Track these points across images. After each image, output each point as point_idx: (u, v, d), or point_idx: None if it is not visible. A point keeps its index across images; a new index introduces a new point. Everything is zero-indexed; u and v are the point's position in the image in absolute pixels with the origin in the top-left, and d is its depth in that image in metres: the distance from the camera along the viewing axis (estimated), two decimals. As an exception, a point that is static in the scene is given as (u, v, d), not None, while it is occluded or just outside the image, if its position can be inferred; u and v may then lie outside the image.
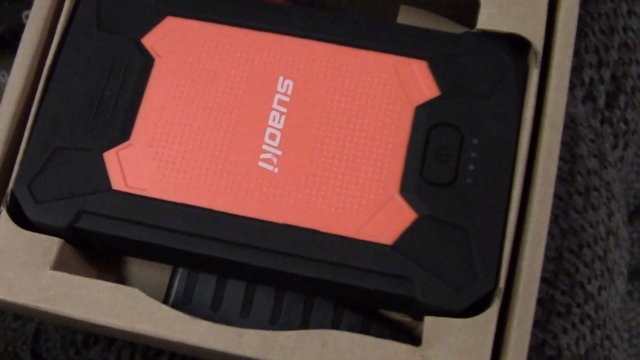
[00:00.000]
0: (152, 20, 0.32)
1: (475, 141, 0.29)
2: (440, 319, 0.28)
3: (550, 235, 0.44)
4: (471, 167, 0.29)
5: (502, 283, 0.28)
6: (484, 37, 0.31)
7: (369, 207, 0.29)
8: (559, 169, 0.45)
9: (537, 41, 0.30)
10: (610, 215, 0.47)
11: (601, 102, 0.49)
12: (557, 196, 0.44)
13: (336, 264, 0.28)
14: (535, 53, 0.30)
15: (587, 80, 0.49)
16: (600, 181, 0.47)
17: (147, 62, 0.31)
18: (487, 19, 0.31)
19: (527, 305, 0.28)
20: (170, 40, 0.32)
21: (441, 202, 0.29)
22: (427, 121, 0.30)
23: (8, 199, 0.30)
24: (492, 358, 0.28)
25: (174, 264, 0.32)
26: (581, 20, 0.49)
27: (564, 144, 0.45)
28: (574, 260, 0.44)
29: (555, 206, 0.44)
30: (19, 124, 0.31)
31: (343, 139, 0.30)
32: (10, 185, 0.30)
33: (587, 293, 0.44)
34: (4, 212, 0.30)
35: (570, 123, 0.47)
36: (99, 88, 0.31)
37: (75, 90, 0.31)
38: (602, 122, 0.49)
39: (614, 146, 0.50)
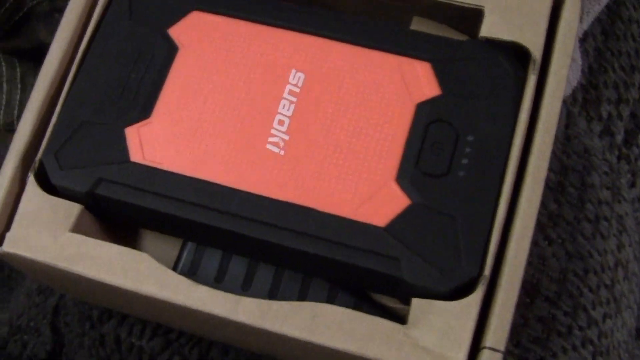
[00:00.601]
0: (179, 14, 0.34)
1: (470, 138, 0.31)
2: (426, 301, 0.30)
3: (555, 257, 0.44)
4: (465, 161, 0.31)
5: (487, 271, 0.30)
6: (486, 44, 0.33)
7: (366, 191, 0.31)
8: (569, 194, 0.46)
9: (536, 50, 0.32)
10: (620, 247, 0.48)
11: (619, 138, 0.50)
12: (564, 220, 0.45)
13: (331, 241, 0.30)
14: (534, 61, 0.32)
15: (605, 115, 0.50)
16: (612, 212, 0.48)
17: (171, 50, 0.34)
18: (490, 28, 0.33)
19: (510, 293, 0.30)
20: (194, 32, 0.34)
21: (433, 192, 0.31)
22: (427, 117, 0.32)
23: (36, 166, 0.33)
24: (473, 341, 0.29)
25: (182, 235, 0.34)
26: (601, 55, 0.50)
27: (575, 171, 0.47)
28: (578, 283, 0.44)
29: (562, 229, 0.45)
30: (52, 101, 0.34)
31: (347, 128, 0.32)
32: (39, 154, 0.33)
33: (591, 318, 0.44)
34: (32, 178, 0.32)
35: (584, 153, 0.48)
36: (126, 71, 0.33)
37: (105, 72, 0.33)
38: (619, 158, 0.50)
39: (632, 185, 0.51)
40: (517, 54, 0.33)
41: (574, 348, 0.43)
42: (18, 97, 0.65)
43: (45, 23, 0.61)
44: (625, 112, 0.50)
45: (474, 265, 0.30)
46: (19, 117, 0.65)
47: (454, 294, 0.30)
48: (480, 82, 0.32)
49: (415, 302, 0.30)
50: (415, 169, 0.31)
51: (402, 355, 0.29)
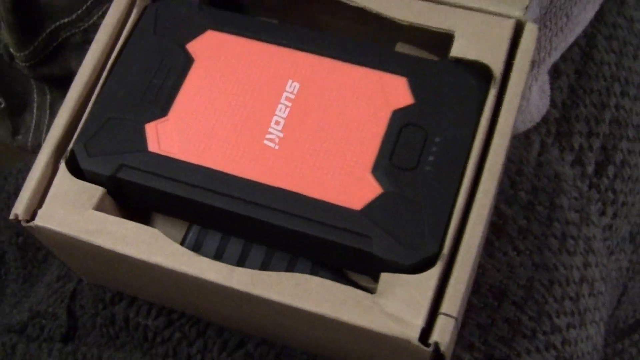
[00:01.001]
0: (196, 32, 0.40)
1: (437, 139, 0.37)
2: (393, 275, 0.35)
3: (523, 266, 0.48)
4: (431, 158, 0.36)
5: (446, 250, 0.35)
6: (455, 63, 0.39)
7: (346, 180, 0.36)
8: (537, 212, 0.49)
9: (497, 68, 0.38)
10: (586, 265, 0.50)
11: (590, 168, 0.54)
12: (532, 234, 0.48)
13: (314, 220, 0.36)
14: (494, 78, 0.38)
15: (577, 146, 0.53)
16: (579, 233, 0.50)
17: (188, 62, 0.40)
18: (459, 49, 0.39)
19: (463, 270, 0.35)
20: (208, 48, 0.40)
21: (403, 182, 0.36)
22: (400, 121, 0.37)
23: (68, 154, 0.38)
24: (431, 308, 0.34)
25: (188, 217, 0.39)
26: (574, 92, 0.54)
27: (545, 192, 0.50)
28: (543, 292, 0.47)
29: (530, 242, 0.48)
30: (84, 101, 0.40)
31: (332, 128, 0.38)
32: (71, 144, 0.39)
33: (555, 325, 0.47)
34: (63, 165, 0.38)
35: (555, 178, 0.51)
36: (148, 77, 0.39)
37: (130, 77, 0.39)
38: (590, 187, 0.53)
39: (602, 213, 0.54)
40: (480, 71, 0.38)
41: (538, 350, 0.46)
42: (46, 121, 0.70)
43: (77, 53, 0.67)
44: (596, 145, 0.54)
45: (435, 244, 0.35)
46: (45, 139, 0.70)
47: (417, 269, 0.35)
48: (448, 94, 0.38)
49: (384, 275, 0.35)
50: (388, 162, 0.37)
51: (370, 320, 0.34)
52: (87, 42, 0.66)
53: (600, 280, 0.53)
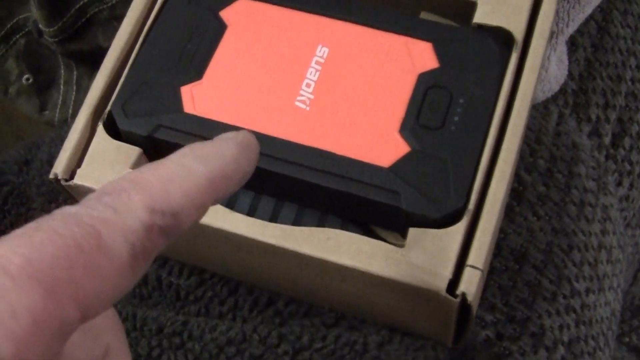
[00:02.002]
0: (229, 0, 0.42)
1: (461, 100, 0.38)
2: (420, 229, 0.36)
3: (542, 231, 0.49)
4: (456, 118, 0.38)
5: (471, 205, 0.36)
6: (477, 29, 0.40)
7: (375, 139, 0.38)
8: (556, 179, 0.51)
9: (518, 33, 0.40)
10: (604, 232, 0.52)
11: (606, 139, 0.55)
12: (551, 200, 0.50)
13: (345, 177, 0.37)
14: (516, 42, 0.39)
15: (593, 117, 0.55)
16: (597, 201, 0.52)
17: (221, 28, 0.41)
18: (481, 16, 0.40)
19: (489, 224, 0.36)
20: (241, 14, 0.42)
21: (429, 141, 0.38)
22: (426, 84, 0.39)
23: (105, 116, 0.40)
24: (458, 260, 0.36)
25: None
26: (590, 65, 0.56)
27: (563, 161, 0.52)
28: (563, 256, 0.48)
29: (549, 208, 0.50)
30: (122, 64, 0.41)
31: (361, 91, 0.39)
32: (109, 107, 0.40)
33: (574, 289, 0.48)
34: (101, 126, 0.40)
35: (573, 147, 0.52)
36: (183, 43, 0.41)
37: (165, 43, 0.41)
38: (606, 158, 0.55)
39: (618, 183, 0.56)
40: (502, 37, 0.40)
41: (558, 313, 0.47)
42: (73, 97, 0.72)
43: (104, 30, 0.68)
44: (612, 117, 0.55)
45: (461, 198, 0.36)
46: (72, 115, 0.72)
47: (444, 223, 0.36)
48: (471, 58, 0.39)
49: (412, 230, 0.37)
50: (415, 122, 0.38)
51: (399, 271, 0.36)
52: (114, 18, 0.68)
53: (617, 248, 0.54)
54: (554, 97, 0.54)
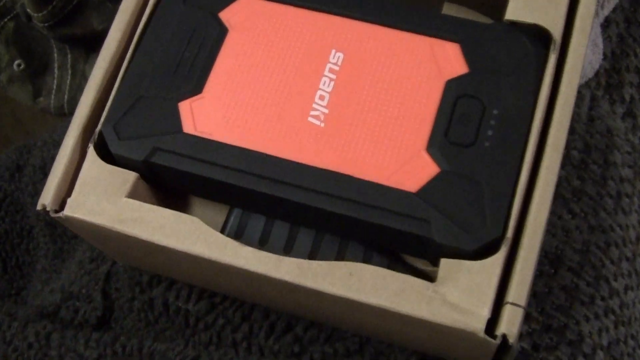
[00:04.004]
0: None
1: (495, 111, 0.34)
2: (454, 261, 0.32)
3: (579, 229, 0.46)
4: (490, 132, 0.34)
5: (510, 232, 0.32)
6: (510, 27, 0.36)
7: (399, 159, 0.34)
8: (592, 171, 0.47)
9: (556, 31, 0.35)
10: None
11: None
12: (587, 195, 0.47)
13: (367, 205, 0.33)
14: (554, 42, 0.35)
15: (627, 97, 0.51)
16: (634, 190, 0.49)
17: (222, 32, 0.37)
18: (514, 11, 0.36)
19: (530, 254, 0.32)
20: (243, 15, 0.37)
21: (461, 160, 0.33)
22: (455, 92, 0.34)
23: (96, 137, 0.36)
24: (496, 297, 0.32)
25: (230, 201, 0.37)
26: (623, 41, 0.52)
27: (598, 149, 0.48)
28: (600, 255, 0.45)
29: (584, 204, 0.47)
30: (111, 77, 0.37)
31: (382, 102, 0.35)
32: (99, 126, 0.36)
33: (613, 289, 0.45)
34: (92, 148, 0.36)
35: (607, 133, 0.49)
36: (180, 50, 0.36)
37: (160, 51, 0.37)
38: None
39: None
40: (538, 35, 0.35)
41: (597, 316, 0.44)
42: (68, 82, 0.68)
43: (98, 12, 0.64)
44: None
45: (498, 227, 0.32)
46: (68, 101, 0.68)
47: (479, 254, 0.32)
48: (504, 61, 0.35)
49: (444, 261, 0.33)
50: (444, 139, 0.34)
51: (431, 310, 0.32)
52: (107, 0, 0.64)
53: None
54: (586, 79, 0.50)
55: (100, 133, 0.36)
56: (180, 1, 0.37)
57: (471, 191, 0.33)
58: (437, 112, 0.34)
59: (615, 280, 0.46)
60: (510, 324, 0.31)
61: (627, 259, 0.47)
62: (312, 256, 0.36)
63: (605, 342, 0.44)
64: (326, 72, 0.35)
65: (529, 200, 0.33)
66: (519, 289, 0.32)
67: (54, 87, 0.69)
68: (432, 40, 0.36)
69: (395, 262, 0.36)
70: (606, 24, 0.51)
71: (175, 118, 0.35)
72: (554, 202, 0.46)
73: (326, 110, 0.35)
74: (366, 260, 0.35)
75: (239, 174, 0.34)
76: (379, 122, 0.34)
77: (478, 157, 0.33)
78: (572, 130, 0.48)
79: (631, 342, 0.47)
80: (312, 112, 0.35)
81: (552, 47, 0.35)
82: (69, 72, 0.68)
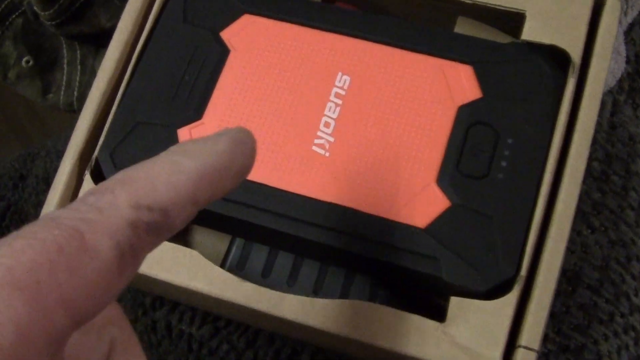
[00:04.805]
0: (231, 17, 0.36)
1: (510, 141, 0.32)
2: (464, 299, 0.31)
3: (598, 244, 0.45)
4: (504, 163, 0.32)
5: (523, 271, 0.31)
6: (527, 47, 0.34)
7: (408, 193, 0.32)
8: (613, 183, 0.46)
9: (575, 53, 0.33)
10: None
11: None
12: (608, 209, 0.45)
13: (373, 241, 0.31)
14: (573, 64, 0.33)
15: None
16: None
17: (223, 53, 0.35)
18: (531, 31, 0.34)
19: (545, 294, 0.31)
20: (246, 35, 0.35)
21: (473, 193, 0.32)
22: (468, 120, 0.33)
23: (92, 164, 0.34)
24: (509, 339, 0.31)
25: (231, 232, 0.35)
26: None
27: (619, 159, 0.47)
28: (620, 271, 0.44)
29: (605, 218, 0.46)
30: (108, 101, 0.35)
31: (390, 130, 0.33)
32: (96, 152, 0.34)
33: (633, 305, 0.44)
34: (88, 175, 0.34)
35: (629, 141, 0.48)
36: (179, 73, 0.35)
37: (159, 74, 0.35)
38: None
39: None
40: (556, 57, 0.33)
41: (616, 334, 0.43)
42: (77, 78, 0.67)
43: (105, 9, 0.63)
44: None
45: (511, 266, 0.31)
46: (78, 98, 0.67)
47: (491, 293, 0.31)
48: (520, 85, 0.33)
49: (454, 300, 0.31)
50: (455, 171, 0.32)
51: (439, 353, 0.30)
52: (115, -4, 0.63)
53: None
54: (608, 85, 0.48)
55: (96, 160, 0.34)
56: (180, 19, 0.36)
57: (483, 227, 0.31)
58: (449, 141, 0.33)
59: (636, 295, 0.45)
60: (523, 369, 0.30)
61: (649, 273, 0.46)
62: (316, 289, 0.34)
63: None
64: (332, 97, 0.34)
65: (545, 235, 0.31)
66: (533, 332, 0.30)
67: (64, 83, 0.68)
68: (444, 62, 0.34)
69: (403, 295, 0.34)
70: (630, 26, 0.49)
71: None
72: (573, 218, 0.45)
73: (331, 139, 0.33)
74: (372, 292, 0.34)
75: (240, 207, 0.33)
76: (387, 152, 0.33)
77: (491, 190, 0.32)
78: (592, 141, 0.46)
79: (653, 358, 0.46)
80: (317, 141, 0.33)
81: (571, 70, 0.33)
82: (78, 68, 0.67)
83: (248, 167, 0.24)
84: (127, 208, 0.21)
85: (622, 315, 0.44)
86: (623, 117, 0.48)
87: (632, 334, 0.44)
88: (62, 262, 0.19)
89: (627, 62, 0.49)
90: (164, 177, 0.22)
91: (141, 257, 0.21)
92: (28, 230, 0.19)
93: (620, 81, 0.49)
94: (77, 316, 0.19)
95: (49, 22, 0.62)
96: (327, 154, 0.33)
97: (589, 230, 0.45)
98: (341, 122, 0.33)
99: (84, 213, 0.20)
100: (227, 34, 0.35)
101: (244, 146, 0.24)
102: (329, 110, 0.34)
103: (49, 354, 0.19)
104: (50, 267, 0.19)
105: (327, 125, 0.33)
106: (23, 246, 0.19)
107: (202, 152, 0.23)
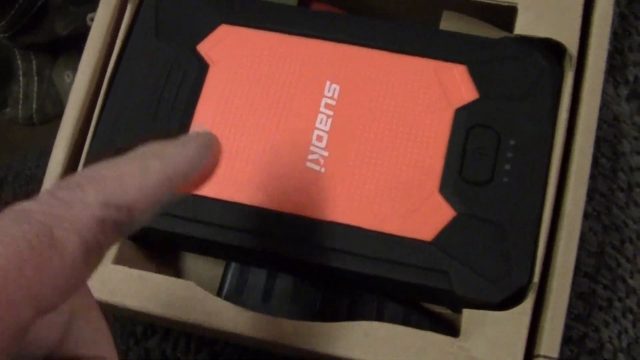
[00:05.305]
0: (207, 28, 0.34)
1: (512, 142, 0.31)
2: (478, 311, 0.30)
3: (592, 231, 0.44)
4: (507, 166, 0.31)
5: (536, 277, 0.30)
6: (521, 42, 0.32)
7: (410, 205, 0.31)
8: (601, 166, 0.45)
9: (571, 46, 0.32)
10: None
11: None
12: (599, 193, 0.45)
13: (379, 259, 0.30)
14: (570, 57, 0.32)
15: (631, 78, 0.49)
16: None
17: (202, 68, 0.33)
18: (525, 25, 0.32)
19: (561, 299, 0.29)
20: (224, 46, 0.33)
21: (479, 200, 0.30)
22: (466, 123, 0.31)
23: None
24: (526, 349, 0.29)
25: (226, 258, 0.34)
26: (625, 20, 0.49)
27: (606, 141, 0.46)
28: (615, 255, 0.44)
29: (597, 202, 0.45)
30: (83, 127, 0.33)
31: (386, 140, 0.31)
32: None
33: (629, 287, 0.44)
34: None
35: (614, 121, 0.47)
36: (157, 93, 0.33)
37: (136, 95, 0.33)
38: None
39: None
40: (552, 50, 0.32)
41: (615, 319, 0.43)
42: (35, 89, 0.64)
43: (60, 16, 0.60)
44: None
45: (524, 274, 0.29)
46: (37, 110, 0.64)
47: (506, 303, 0.30)
48: (518, 82, 0.32)
49: (467, 313, 0.30)
50: (458, 177, 0.31)
51: (457, 368, 0.29)
52: (69, 2, 0.60)
53: None
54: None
55: None
56: (152, 35, 0.34)
57: (492, 235, 0.30)
58: (448, 146, 0.31)
59: (632, 277, 0.45)
60: (544, 380, 0.29)
61: (642, 253, 0.46)
62: (322, 311, 0.33)
63: (625, 344, 0.44)
64: (322, 108, 0.32)
65: (554, 238, 0.30)
66: (551, 340, 0.29)
67: (21, 96, 0.65)
68: (436, 63, 0.32)
69: (411, 310, 0.33)
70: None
71: None
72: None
73: (325, 153, 0.32)
74: (380, 312, 0.32)
75: (234, 233, 0.31)
76: (385, 163, 0.31)
77: (497, 195, 0.30)
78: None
79: (650, 337, 0.45)
80: (310, 157, 0.32)
81: (568, 63, 0.32)
82: (35, 79, 0.65)
83: (212, 172, 0.25)
84: (96, 205, 0.21)
85: (620, 300, 0.44)
86: (605, 97, 0.48)
87: (630, 316, 0.44)
88: (30, 258, 0.20)
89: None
90: (133, 177, 0.23)
91: (105, 251, 0.22)
92: None
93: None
94: (42, 308, 0.20)
95: (2, 35, 0.60)
96: (323, 170, 0.31)
97: (583, 218, 0.44)
98: (334, 135, 0.32)
99: (53, 208, 0.21)
100: (204, 47, 0.33)
101: (209, 152, 0.25)
102: (321, 123, 0.32)
103: (12, 345, 0.19)
104: (18, 264, 0.19)
105: (319, 139, 0.32)
106: None
107: (171, 155, 0.24)
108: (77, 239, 0.21)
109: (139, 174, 0.23)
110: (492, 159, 0.31)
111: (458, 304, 0.30)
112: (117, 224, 0.22)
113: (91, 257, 0.21)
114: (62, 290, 0.21)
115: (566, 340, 0.42)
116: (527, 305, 0.29)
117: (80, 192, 0.22)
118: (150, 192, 0.23)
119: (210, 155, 0.25)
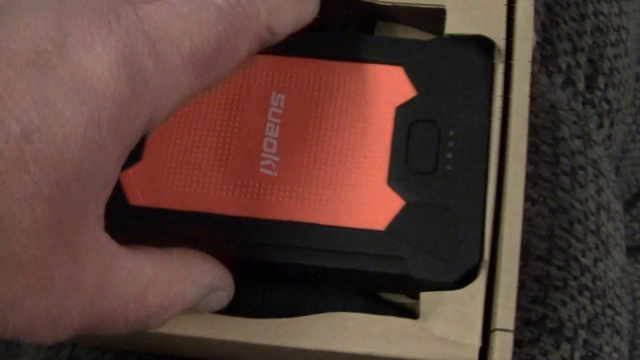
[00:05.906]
0: None
1: (451, 132, 0.33)
2: (434, 293, 0.31)
3: (540, 215, 0.46)
4: (449, 155, 0.33)
5: (486, 255, 0.32)
6: (453, 41, 0.34)
7: (361, 198, 0.32)
8: (543, 152, 0.47)
9: (499, 40, 0.34)
10: (599, 190, 0.49)
11: (581, 85, 0.52)
12: (543, 178, 0.47)
13: (336, 251, 0.32)
14: (499, 51, 0.34)
15: (564, 66, 0.51)
16: (586, 160, 0.49)
17: None
18: (454, 24, 0.35)
19: (511, 274, 0.31)
20: None
21: (425, 188, 0.32)
22: (407, 119, 0.33)
23: None
24: (483, 324, 0.31)
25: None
26: (551, 10, 0.51)
27: (545, 128, 0.48)
28: (565, 236, 0.45)
29: (542, 188, 0.47)
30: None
31: (333, 141, 0.33)
32: None
33: (583, 266, 0.46)
34: None
35: (550, 109, 0.49)
36: None
37: None
38: (584, 104, 0.51)
39: (600, 125, 0.52)
40: (482, 46, 0.34)
41: (572, 298, 0.45)
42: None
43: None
44: (583, 60, 0.52)
45: (475, 252, 0.31)
46: None
47: (460, 283, 0.31)
48: (452, 78, 0.34)
49: (424, 295, 0.32)
50: (404, 169, 0.33)
51: (420, 348, 0.31)
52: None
53: (614, 200, 0.52)
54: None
55: None
56: None
57: (441, 219, 0.32)
58: (392, 142, 0.33)
59: (584, 256, 0.46)
60: (502, 350, 0.31)
61: (592, 232, 0.48)
62: (291, 310, 0.34)
63: (585, 321, 0.45)
64: (270, 117, 0.34)
65: (500, 218, 0.32)
66: (506, 313, 0.31)
67: None
68: (374, 67, 0.34)
69: (373, 301, 0.34)
70: (532, -2, 0.50)
71: (118, 191, 0.33)
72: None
73: (277, 158, 0.33)
74: (344, 305, 0.34)
75: (199, 242, 0.32)
76: (334, 162, 0.33)
77: (442, 182, 0.32)
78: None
79: (609, 312, 0.47)
80: (263, 162, 0.33)
81: (497, 56, 0.34)
82: None
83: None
84: (264, 26, 0.29)
85: (575, 278, 0.45)
86: (541, 87, 0.49)
87: (587, 293, 0.45)
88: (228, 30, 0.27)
89: (535, 32, 0.51)
90: (292, 13, 0.31)
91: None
92: None
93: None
94: (271, 30, 0.29)
95: None
96: (275, 174, 0.33)
97: (529, 203, 0.46)
98: (283, 141, 0.33)
99: (238, 14, 0.28)
100: None
101: None
102: (269, 131, 0.34)
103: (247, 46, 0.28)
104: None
105: (269, 145, 0.33)
106: None
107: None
108: (246, 46, 0.28)
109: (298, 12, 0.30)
110: (434, 149, 0.33)
111: (416, 289, 0.32)
112: (263, 45, 0.29)
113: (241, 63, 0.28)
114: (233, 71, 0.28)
115: (526, 322, 0.43)
116: (481, 282, 0.31)
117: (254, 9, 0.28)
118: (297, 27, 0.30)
119: None
